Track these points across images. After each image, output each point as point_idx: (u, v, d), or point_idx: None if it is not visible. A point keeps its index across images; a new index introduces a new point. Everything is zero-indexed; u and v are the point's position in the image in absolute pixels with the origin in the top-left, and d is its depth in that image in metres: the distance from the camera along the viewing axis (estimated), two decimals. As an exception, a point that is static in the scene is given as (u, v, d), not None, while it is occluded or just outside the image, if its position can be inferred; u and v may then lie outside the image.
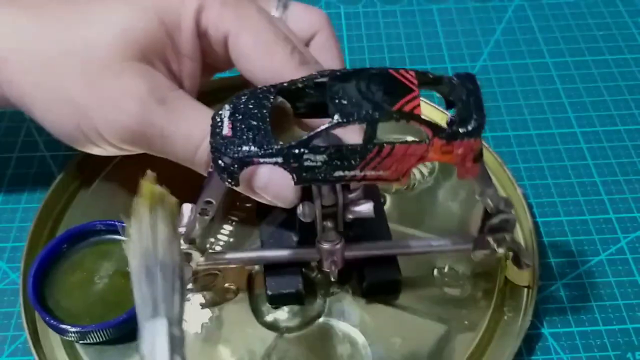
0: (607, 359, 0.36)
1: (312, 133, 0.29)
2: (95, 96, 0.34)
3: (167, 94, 0.34)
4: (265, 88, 0.31)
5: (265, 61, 0.34)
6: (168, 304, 0.26)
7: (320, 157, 0.29)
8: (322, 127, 0.29)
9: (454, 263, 0.38)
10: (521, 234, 0.40)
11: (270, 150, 0.29)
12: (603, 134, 0.48)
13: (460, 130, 0.29)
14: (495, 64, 0.53)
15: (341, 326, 0.36)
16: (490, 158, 0.43)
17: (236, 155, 0.29)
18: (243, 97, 0.31)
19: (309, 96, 0.32)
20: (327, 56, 0.38)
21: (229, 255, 0.37)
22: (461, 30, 0.56)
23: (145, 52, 0.34)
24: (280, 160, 0.29)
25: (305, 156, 0.29)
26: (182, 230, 0.33)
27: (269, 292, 0.36)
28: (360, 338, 0.36)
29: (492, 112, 0.49)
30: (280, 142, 0.29)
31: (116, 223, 0.38)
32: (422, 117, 0.29)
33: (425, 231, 0.40)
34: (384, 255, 0.37)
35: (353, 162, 0.29)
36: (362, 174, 0.30)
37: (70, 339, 0.36)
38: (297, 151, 0.29)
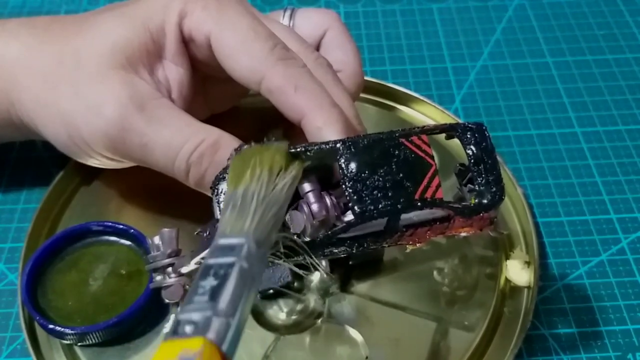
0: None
1: (331, 233, 0.28)
2: (80, 104, 0.34)
3: (148, 101, 0.34)
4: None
5: (244, 58, 0.34)
6: (260, 228, 0.24)
7: (341, 248, 0.29)
8: (341, 226, 0.28)
9: (454, 263, 0.38)
10: (522, 234, 0.40)
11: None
12: (604, 134, 0.47)
13: (480, 203, 0.29)
14: (495, 63, 0.53)
15: (341, 326, 0.36)
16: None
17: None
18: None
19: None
20: (338, 52, 0.39)
21: None
22: (461, 30, 0.56)
23: (131, 59, 0.35)
24: (301, 258, 0.29)
25: (326, 249, 0.29)
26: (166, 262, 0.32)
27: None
28: (359, 338, 0.35)
29: (493, 111, 0.49)
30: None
31: (113, 224, 0.37)
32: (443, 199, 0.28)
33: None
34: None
35: (373, 244, 0.30)
36: (381, 246, 0.30)
37: (61, 339, 0.35)
38: (320, 249, 0.29)
